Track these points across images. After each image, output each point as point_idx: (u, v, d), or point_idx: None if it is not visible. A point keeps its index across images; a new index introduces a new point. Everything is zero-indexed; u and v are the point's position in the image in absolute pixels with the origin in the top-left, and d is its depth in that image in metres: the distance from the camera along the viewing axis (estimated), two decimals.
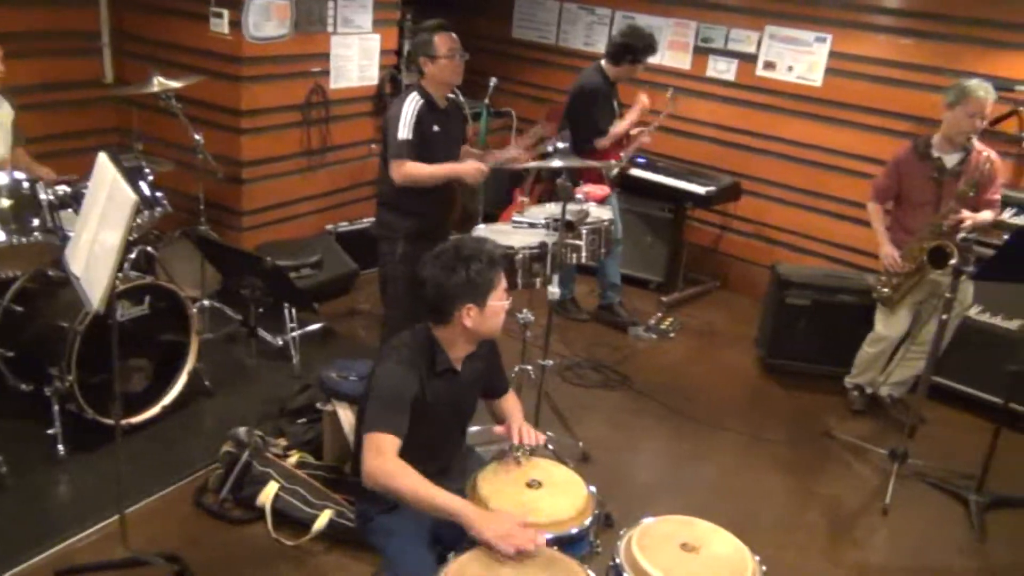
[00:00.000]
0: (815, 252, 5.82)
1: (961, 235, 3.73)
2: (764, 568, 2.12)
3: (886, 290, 4.26)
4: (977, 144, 4.04)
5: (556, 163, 3.63)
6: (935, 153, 4.10)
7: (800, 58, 5.62)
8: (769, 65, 5.77)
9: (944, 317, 3.69)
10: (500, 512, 2.18)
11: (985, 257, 4.07)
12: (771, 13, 5.71)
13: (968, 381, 4.61)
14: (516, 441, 2.48)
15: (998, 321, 4.51)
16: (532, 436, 2.50)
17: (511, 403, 2.73)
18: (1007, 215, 4.57)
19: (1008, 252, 3.59)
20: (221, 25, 4.79)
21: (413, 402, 2.33)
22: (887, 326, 4.38)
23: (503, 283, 2.44)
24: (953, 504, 3.86)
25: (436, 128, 3.68)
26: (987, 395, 4.48)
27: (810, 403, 4.69)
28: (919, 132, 5.19)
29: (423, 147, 3.63)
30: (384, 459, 2.20)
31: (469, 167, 3.73)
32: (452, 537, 2.23)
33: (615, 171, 5.07)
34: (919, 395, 3.91)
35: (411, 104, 3.63)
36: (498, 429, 2.65)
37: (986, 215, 4.10)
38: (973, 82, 3.95)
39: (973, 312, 4.51)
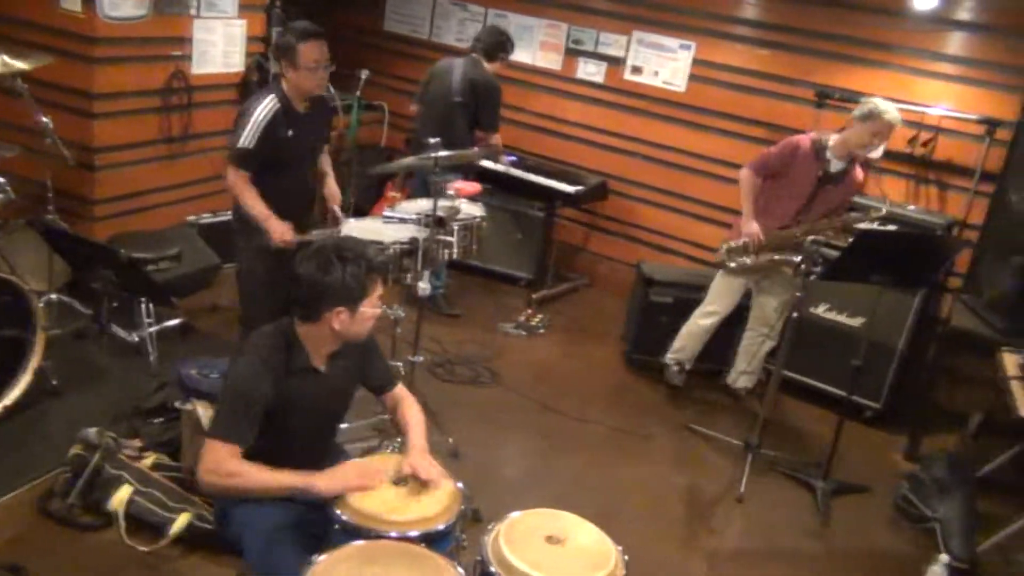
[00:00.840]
0: (677, 252, 6.04)
1: (810, 238, 3.94)
2: (626, 557, 2.19)
3: (732, 264, 4.42)
4: (858, 165, 4.28)
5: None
6: (828, 155, 4.23)
7: (665, 64, 5.82)
8: (636, 69, 5.94)
9: (795, 315, 3.93)
10: (339, 466, 2.29)
11: (832, 259, 4.32)
12: (639, 19, 5.88)
13: (816, 375, 4.90)
14: (407, 472, 2.34)
15: (843, 319, 4.80)
16: (428, 472, 2.34)
17: (411, 413, 2.63)
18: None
19: (852, 255, 3.84)
20: (73, 2, 4.50)
21: (268, 402, 2.28)
22: (720, 301, 4.63)
23: (379, 290, 2.41)
24: (801, 491, 4.09)
25: (290, 133, 3.51)
26: (833, 388, 4.77)
27: (672, 397, 4.87)
28: (774, 139, 5.47)
29: (271, 154, 3.47)
30: (222, 465, 2.19)
31: (276, 227, 3.47)
32: (321, 522, 2.21)
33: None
34: (771, 389, 4.12)
35: (264, 109, 3.43)
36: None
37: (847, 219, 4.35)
38: (885, 105, 4.06)
39: (820, 310, 4.80)
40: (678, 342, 4.81)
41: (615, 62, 6.02)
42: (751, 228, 4.29)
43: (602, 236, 6.38)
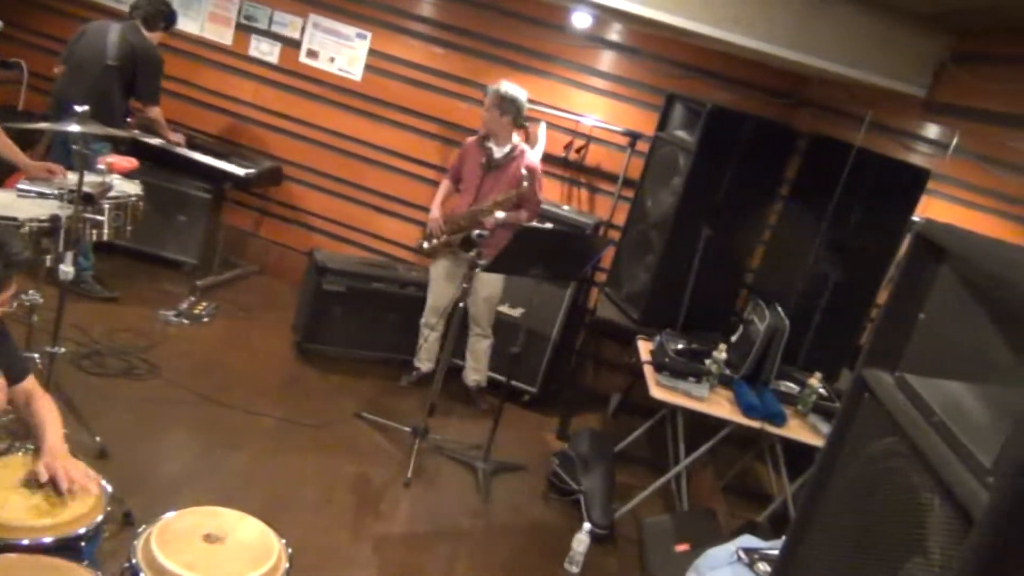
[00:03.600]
0: (353, 241, 6.04)
1: (476, 232, 4.15)
2: (291, 550, 2.14)
3: (426, 244, 4.79)
4: (526, 151, 4.67)
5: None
6: (489, 144, 4.64)
7: (342, 51, 5.78)
8: (312, 54, 5.83)
9: (461, 305, 4.17)
10: None
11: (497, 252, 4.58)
12: (315, 2, 5.77)
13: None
14: (44, 478, 2.09)
15: (505, 309, 5.11)
16: (66, 473, 2.11)
17: (43, 410, 2.34)
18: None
19: (512, 250, 4.09)
20: None
21: None
22: (433, 297, 4.85)
23: (12, 290, 2.16)
24: (465, 473, 4.29)
25: None
26: (495, 374, 5.06)
27: (344, 386, 4.85)
28: (447, 135, 5.69)
29: None
30: None
31: None
32: None
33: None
34: (438, 377, 4.27)
35: None
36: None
37: (522, 214, 4.63)
38: (509, 87, 4.53)
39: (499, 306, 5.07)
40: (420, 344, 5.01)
41: (290, 43, 5.86)
42: (432, 215, 4.73)
43: (275, 222, 6.18)
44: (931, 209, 3.87)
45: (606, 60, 5.49)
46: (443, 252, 4.78)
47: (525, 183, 4.48)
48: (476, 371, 4.97)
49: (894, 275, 1.64)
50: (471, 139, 4.76)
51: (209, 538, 2.05)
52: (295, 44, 5.85)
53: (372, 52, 5.75)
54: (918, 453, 1.39)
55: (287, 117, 5.97)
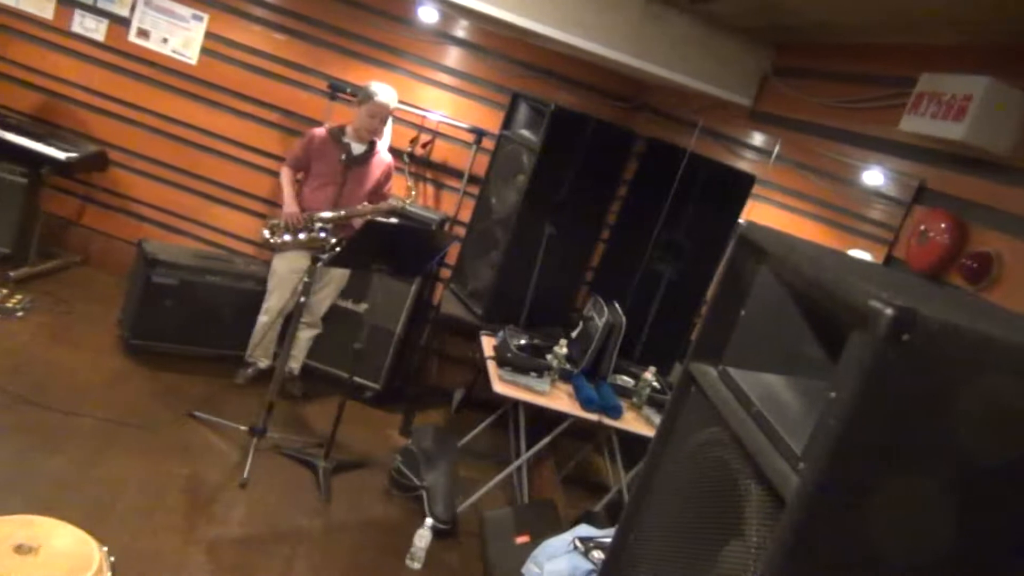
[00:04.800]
0: (187, 232, 5.76)
1: (319, 225, 4.09)
2: (113, 558, 2.02)
3: (277, 240, 4.57)
4: (382, 146, 4.63)
5: None
6: (346, 139, 4.55)
7: (176, 32, 5.49)
8: (143, 33, 5.51)
9: (303, 300, 4.06)
10: None
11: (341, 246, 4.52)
12: None
13: (323, 359, 5.06)
14: None
15: (349, 305, 5.03)
16: None
17: None
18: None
19: (357, 244, 4.03)
20: None
21: None
22: (278, 291, 4.67)
23: None
24: (305, 472, 4.19)
25: None
26: (337, 371, 4.98)
27: (176, 384, 4.63)
28: (288, 124, 5.55)
29: None
30: None
31: None
32: None
33: None
34: (277, 373, 4.16)
35: None
36: None
37: (381, 206, 4.63)
38: (379, 88, 4.49)
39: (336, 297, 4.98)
40: (252, 340, 4.80)
41: (119, 21, 5.50)
42: (291, 210, 4.52)
43: (99, 210, 5.80)
44: (756, 212, 4.12)
45: (453, 57, 5.50)
46: (291, 246, 4.60)
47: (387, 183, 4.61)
48: (294, 359, 4.91)
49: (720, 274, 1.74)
50: (319, 130, 4.63)
51: (21, 549, 1.91)
52: (124, 22, 5.50)
53: (209, 35, 5.50)
54: (738, 442, 1.48)
55: (114, 99, 5.61)
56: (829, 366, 1.53)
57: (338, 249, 4.10)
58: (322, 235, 4.47)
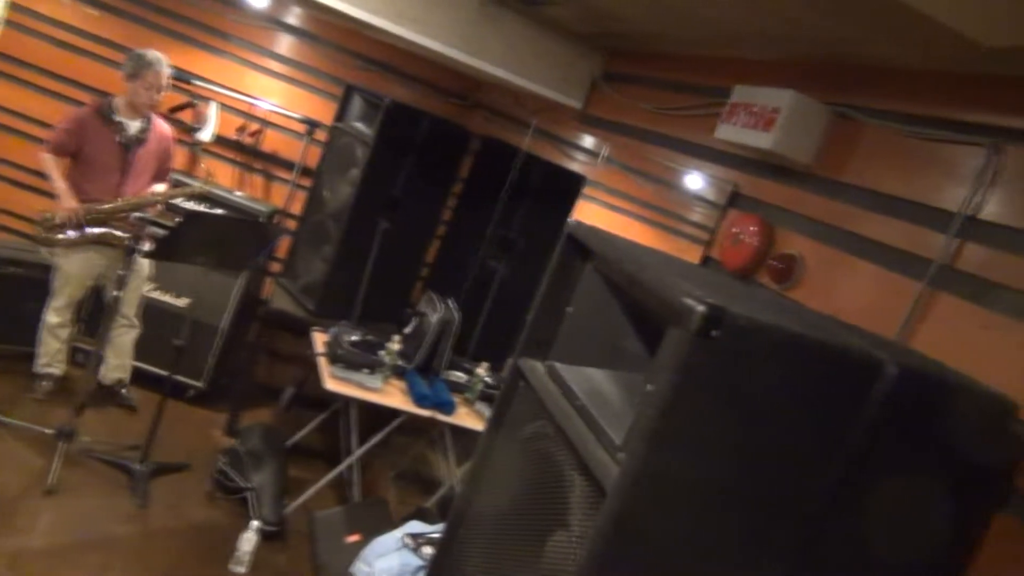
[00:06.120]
0: None
1: (136, 215, 3.84)
2: None
3: (58, 237, 4.09)
4: (157, 118, 4.24)
5: None
6: (117, 118, 4.11)
7: None
8: None
9: (116, 293, 3.82)
10: None
11: (159, 237, 4.27)
12: None
13: (141, 357, 4.76)
14: None
15: (169, 299, 4.78)
16: None
17: None
18: (180, 200, 4.86)
19: (179, 235, 3.83)
20: None
21: None
22: (69, 292, 4.23)
23: None
24: (120, 476, 3.94)
25: None
26: (157, 369, 4.71)
27: None
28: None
29: None
30: None
31: None
32: None
33: None
34: (88, 372, 3.89)
35: None
36: None
37: (163, 187, 4.33)
38: (150, 55, 4.06)
39: (147, 290, 4.68)
40: (41, 349, 4.29)
41: None
42: (69, 205, 4.02)
43: None
44: (586, 212, 4.26)
45: (285, 44, 5.34)
46: (80, 242, 4.13)
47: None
48: (120, 368, 4.50)
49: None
50: (83, 111, 4.16)
51: None
52: None
53: (13, 6, 5.05)
54: (563, 434, 1.52)
55: None
56: (648, 360, 1.61)
57: (157, 240, 3.88)
58: (117, 233, 4.09)
